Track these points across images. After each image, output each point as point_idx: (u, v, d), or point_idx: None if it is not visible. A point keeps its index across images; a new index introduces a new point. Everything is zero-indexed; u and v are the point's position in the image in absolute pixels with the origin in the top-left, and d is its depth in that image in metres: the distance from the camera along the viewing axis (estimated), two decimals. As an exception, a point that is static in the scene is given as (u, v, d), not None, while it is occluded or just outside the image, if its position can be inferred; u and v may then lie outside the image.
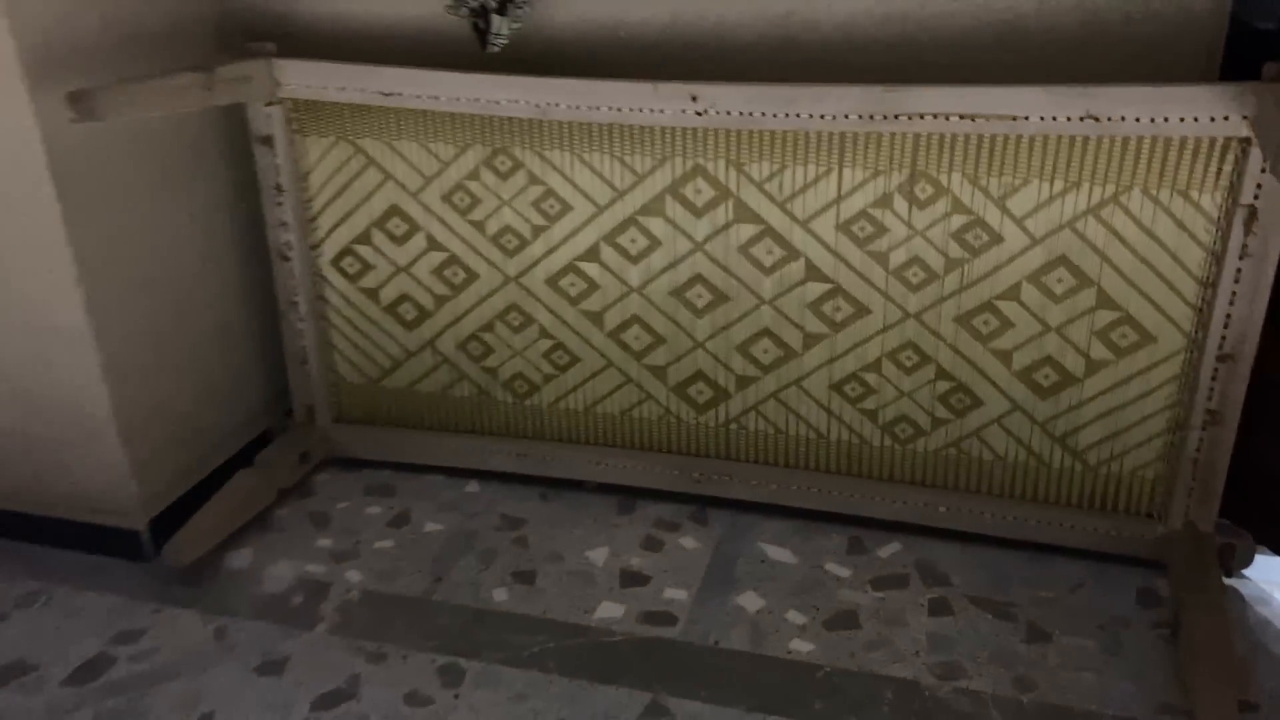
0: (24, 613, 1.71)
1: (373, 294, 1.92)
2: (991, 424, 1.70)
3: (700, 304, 1.76)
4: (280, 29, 1.86)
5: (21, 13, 1.48)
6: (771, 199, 1.66)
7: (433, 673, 1.55)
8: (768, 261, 1.70)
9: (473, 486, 1.98)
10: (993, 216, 1.56)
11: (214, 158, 1.88)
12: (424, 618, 1.67)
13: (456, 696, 1.50)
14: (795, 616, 1.64)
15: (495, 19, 1.70)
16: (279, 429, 2.05)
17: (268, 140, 1.81)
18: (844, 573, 1.74)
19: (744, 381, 1.80)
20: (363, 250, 1.88)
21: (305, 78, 1.76)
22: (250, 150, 1.84)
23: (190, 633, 1.65)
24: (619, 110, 1.63)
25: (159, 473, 1.83)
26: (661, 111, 1.61)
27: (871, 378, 1.73)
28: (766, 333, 1.75)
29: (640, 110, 1.62)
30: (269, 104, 1.79)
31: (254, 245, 1.95)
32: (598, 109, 1.64)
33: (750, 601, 1.68)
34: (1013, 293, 1.60)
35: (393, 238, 1.86)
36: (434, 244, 1.84)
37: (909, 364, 1.70)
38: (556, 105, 1.65)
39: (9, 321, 1.68)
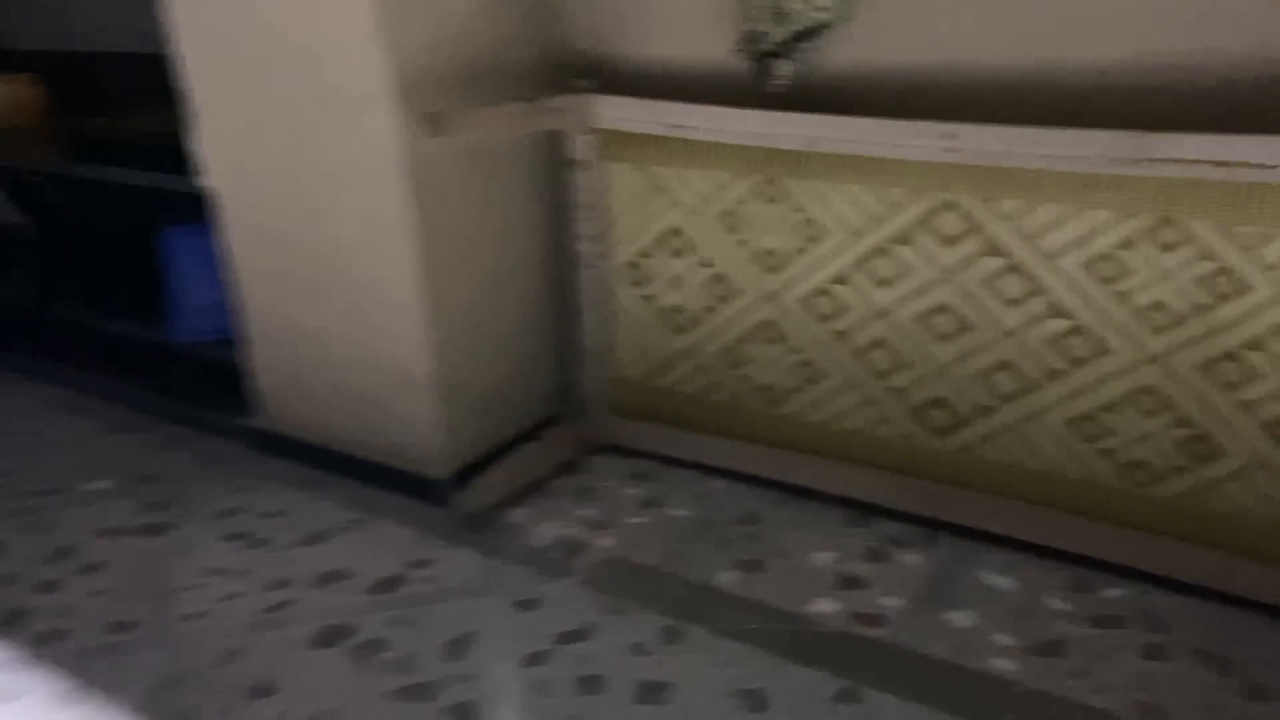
0: (348, 534, 2.09)
1: (651, 302, 2.17)
2: (1233, 476, 1.66)
3: (944, 331, 1.86)
4: (597, 68, 2.16)
5: (400, 51, 1.86)
6: (1019, 235, 1.73)
7: (657, 630, 1.75)
8: (1011, 295, 1.77)
9: (719, 483, 2.18)
10: (1241, 264, 1.56)
11: (532, 176, 2.21)
12: (658, 585, 1.87)
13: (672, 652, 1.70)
14: (1003, 638, 1.69)
15: (778, 62, 1.91)
16: (564, 414, 2.35)
17: (579, 164, 2.12)
18: (1062, 606, 1.76)
19: (982, 410, 1.87)
20: (645, 263, 2.14)
21: (614, 111, 2.05)
22: (562, 171, 2.16)
23: (468, 568, 1.96)
24: (878, 145, 1.78)
25: (464, 436, 2.17)
26: (917, 148, 1.74)
27: (1109, 418, 1.75)
28: (1006, 365, 1.82)
29: (898, 146, 1.76)
30: (583, 133, 2.10)
31: (557, 253, 2.27)
32: (859, 144, 1.80)
33: (961, 619, 1.74)
34: (1260, 343, 1.58)
35: (671, 253, 2.10)
36: (705, 261, 2.07)
37: (1148, 407, 1.70)
38: (822, 139, 1.83)
39: (363, 297, 2.09)
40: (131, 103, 2.79)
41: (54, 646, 1.81)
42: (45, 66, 3.05)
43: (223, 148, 2.16)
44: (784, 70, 1.90)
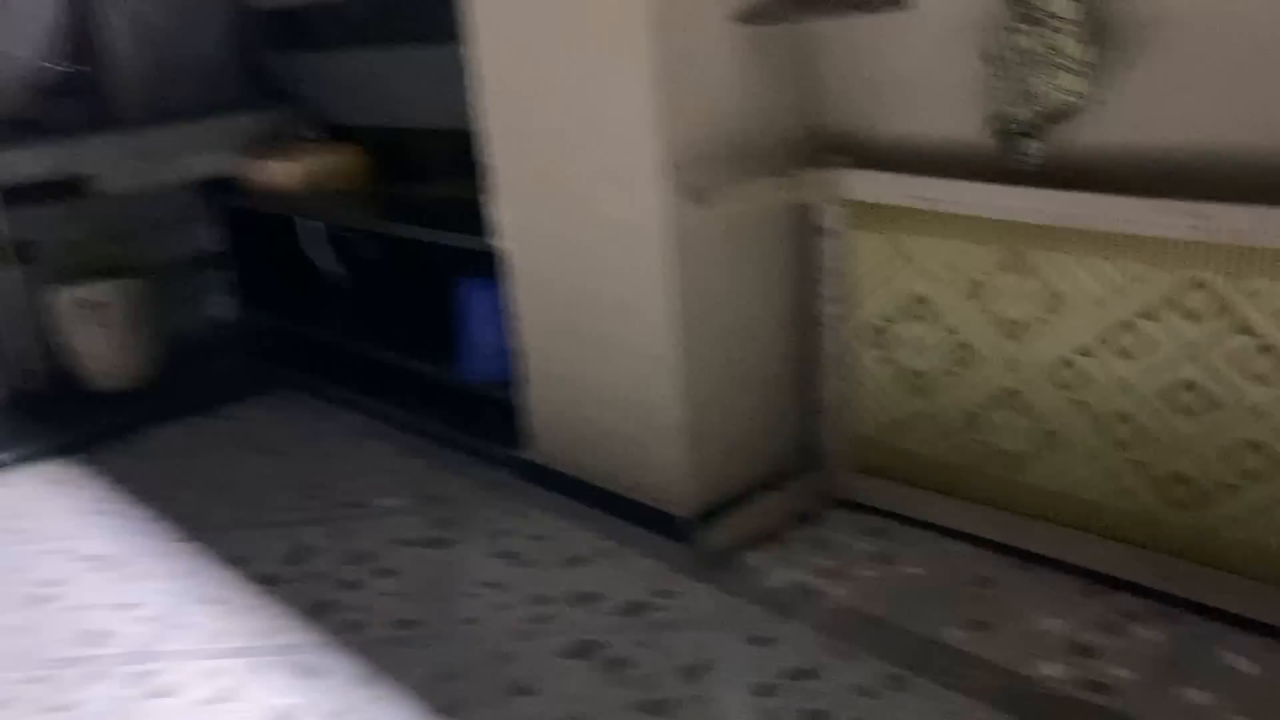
0: (601, 561, 2.31)
1: (892, 364, 2.27)
2: None
3: (1189, 407, 1.86)
4: (849, 143, 2.31)
5: (672, 131, 2.09)
6: (1270, 313, 1.73)
7: (882, 676, 1.85)
8: (1262, 373, 1.76)
9: (953, 544, 2.23)
10: None
11: (781, 242, 2.37)
12: (886, 635, 1.96)
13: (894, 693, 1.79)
14: (1241, 721, 1.67)
15: (1026, 141, 1.99)
16: (804, 467, 2.48)
17: (828, 232, 2.27)
18: (1310, 697, 1.71)
19: (1228, 489, 1.85)
20: (888, 326, 2.25)
21: (865, 184, 2.19)
22: (810, 238, 2.32)
23: (707, 601, 2.13)
24: (1125, 223, 1.83)
25: (708, 479, 2.35)
26: (1165, 225, 1.78)
27: (1369, 505, 1.70)
28: (1255, 444, 1.80)
29: (1145, 224, 1.80)
30: (834, 204, 2.25)
31: (802, 314, 2.41)
32: (1106, 221, 1.85)
33: (1195, 697, 1.73)
34: None
35: (913, 318, 2.20)
36: (948, 327, 2.16)
37: None
38: (1069, 215, 1.89)
39: (626, 348, 2.32)
40: (440, 172, 3.20)
41: (353, 635, 2.12)
42: (369, 139, 3.54)
43: (516, 213, 2.48)
44: (1032, 149, 1.98)
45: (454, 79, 2.62)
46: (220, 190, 3.69)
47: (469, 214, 2.63)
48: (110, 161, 3.54)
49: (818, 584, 2.15)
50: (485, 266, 2.64)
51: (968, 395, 2.17)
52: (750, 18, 2.16)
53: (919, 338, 2.22)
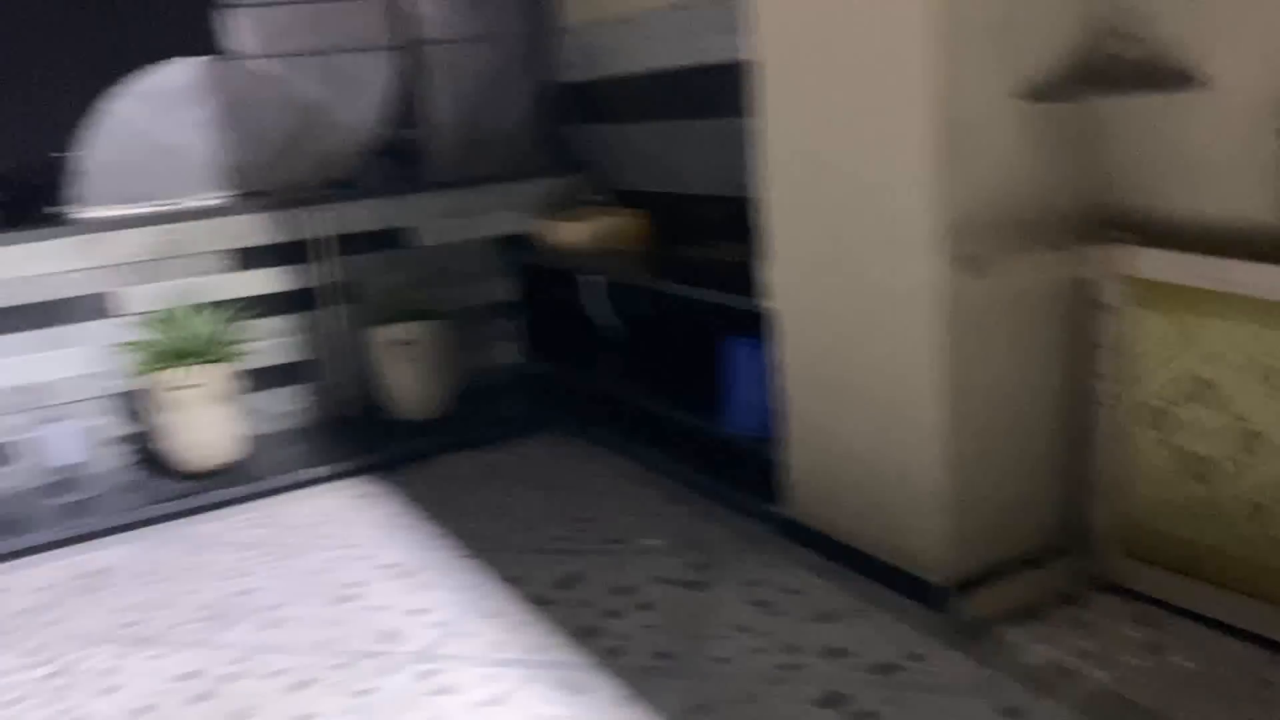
0: (853, 619, 2.35)
1: (1170, 448, 2.20)
2: None
3: None
4: (1130, 218, 2.27)
5: (950, 201, 2.15)
6: None
7: (1143, 766, 1.79)
8: None
9: (1231, 641, 2.11)
10: None
11: (1057, 315, 2.35)
12: (1150, 725, 1.90)
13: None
14: None
15: (1333, 223, 1.91)
16: (1068, 545, 2.42)
17: (1107, 308, 2.24)
18: None
19: None
20: (1168, 408, 2.19)
21: (1150, 261, 2.15)
22: (1087, 313, 2.29)
23: (960, 669, 2.12)
24: None
25: (968, 549, 2.34)
26: None
27: None
28: None
29: None
30: (1115, 280, 2.22)
31: (1075, 389, 2.37)
32: None
33: None
34: None
35: (1196, 401, 2.13)
36: (1235, 413, 2.07)
37: None
38: (1379, 302, 1.80)
39: (891, 413, 2.37)
40: (715, 235, 3.39)
41: (614, 661, 2.27)
42: (652, 204, 3.79)
43: (787, 276, 2.60)
44: (1340, 231, 1.90)
45: (731, 150, 2.79)
46: (515, 246, 4.07)
47: (740, 276, 2.79)
48: (426, 217, 3.99)
49: (1078, 665, 2.09)
50: (753, 326, 2.77)
51: (1254, 485, 2.07)
52: (1037, 96, 2.20)
53: (1202, 422, 2.14)
